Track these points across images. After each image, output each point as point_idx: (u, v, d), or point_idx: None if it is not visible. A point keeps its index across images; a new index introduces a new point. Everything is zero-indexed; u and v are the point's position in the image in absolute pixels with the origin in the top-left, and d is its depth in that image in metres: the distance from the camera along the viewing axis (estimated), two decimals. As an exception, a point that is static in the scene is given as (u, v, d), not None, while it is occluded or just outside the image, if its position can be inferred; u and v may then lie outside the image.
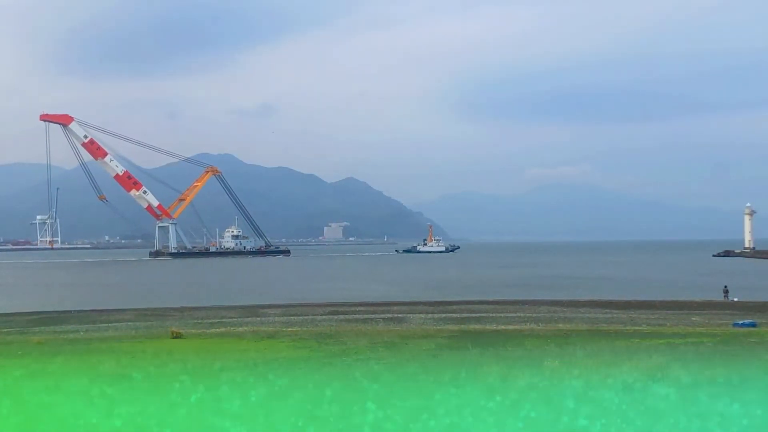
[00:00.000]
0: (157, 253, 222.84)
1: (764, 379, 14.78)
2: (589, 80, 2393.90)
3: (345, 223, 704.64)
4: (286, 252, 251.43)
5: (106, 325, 40.60)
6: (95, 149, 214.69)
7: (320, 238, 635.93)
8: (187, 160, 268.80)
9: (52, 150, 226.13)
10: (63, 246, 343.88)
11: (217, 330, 32.66)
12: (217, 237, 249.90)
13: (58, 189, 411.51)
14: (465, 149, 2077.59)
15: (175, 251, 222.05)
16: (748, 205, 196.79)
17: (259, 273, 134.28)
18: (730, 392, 13.01)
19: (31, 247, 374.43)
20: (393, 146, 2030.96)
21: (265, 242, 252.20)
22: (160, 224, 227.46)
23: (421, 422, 11.31)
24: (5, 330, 37.33)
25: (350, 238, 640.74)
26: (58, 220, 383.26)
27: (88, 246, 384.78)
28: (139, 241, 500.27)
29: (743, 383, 14.17)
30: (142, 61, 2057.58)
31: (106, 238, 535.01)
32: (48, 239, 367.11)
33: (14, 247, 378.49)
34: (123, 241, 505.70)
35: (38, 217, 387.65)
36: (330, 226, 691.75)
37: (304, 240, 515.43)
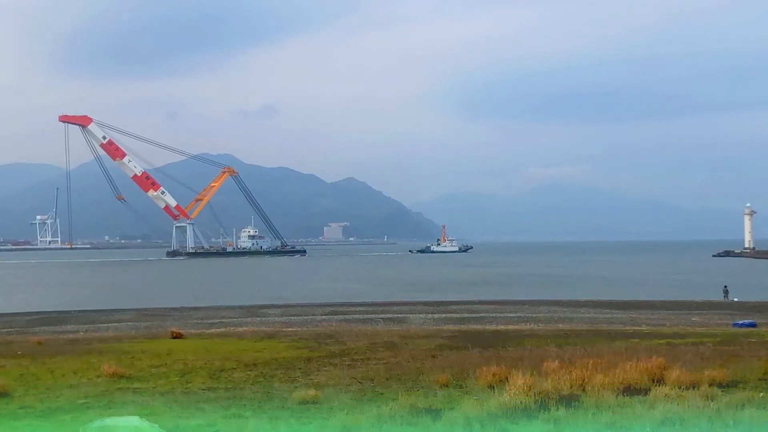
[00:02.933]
0: (174, 253, 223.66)
1: (764, 379, 14.78)
2: (589, 80, 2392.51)
3: (345, 223, 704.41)
4: (303, 252, 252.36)
5: (106, 325, 40.59)
6: (113, 150, 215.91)
7: (320, 238, 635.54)
8: (195, 158, 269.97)
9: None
10: (81, 246, 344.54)
11: (217, 330, 32.67)
12: (234, 237, 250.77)
13: (58, 189, 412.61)
14: (465, 149, 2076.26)
15: (193, 251, 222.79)
16: (748, 205, 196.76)
17: (273, 273, 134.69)
18: (729, 392, 13.02)
19: (31, 246, 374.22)
20: (393, 146, 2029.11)
21: (282, 242, 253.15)
22: (178, 224, 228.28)
23: (421, 422, 11.31)
24: (5, 330, 37.35)
25: (350, 238, 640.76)
26: (58, 220, 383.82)
27: (88, 246, 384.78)
28: (138, 241, 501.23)
29: (743, 383, 14.18)
30: (142, 61, 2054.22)
31: (106, 238, 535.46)
32: (66, 240, 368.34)
33: (14, 247, 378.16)
34: (123, 241, 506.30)
35: (38, 217, 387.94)
36: (330, 226, 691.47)
37: (304, 240, 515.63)
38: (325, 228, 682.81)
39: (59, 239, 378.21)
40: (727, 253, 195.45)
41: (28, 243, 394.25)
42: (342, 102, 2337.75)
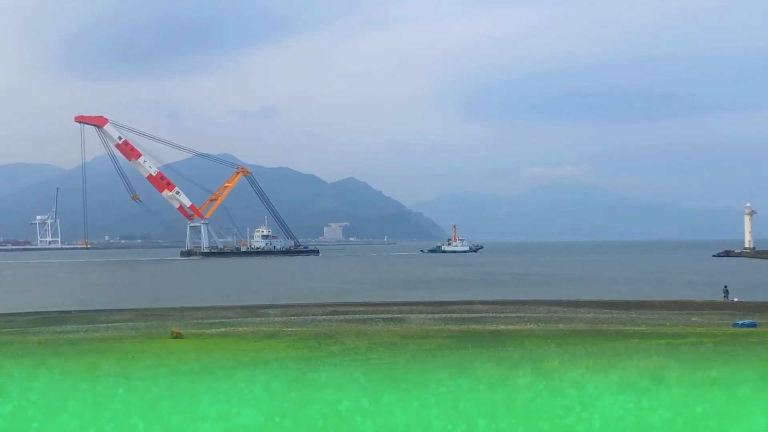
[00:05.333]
0: (188, 253, 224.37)
1: (764, 379, 14.79)
2: (589, 80, 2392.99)
3: (345, 223, 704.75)
4: (315, 251, 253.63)
5: (106, 325, 40.59)
6: (129, 150, 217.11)
7: (320, 238, 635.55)
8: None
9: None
10: (81, 246, 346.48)
11: (217, 330, 32.64)
12: (248, 237, 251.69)
13: (58, 189, 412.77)
14: (465, 149, 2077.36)
15: (207, 251, 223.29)
16: (748, 205, 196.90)
17: (285, 273, 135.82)
18: (729, 392, 13.02)
19: (32, 246, 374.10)
20: (393, 146, 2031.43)
21: (295, 242, 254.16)
22: (192, 224, 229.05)
23: (422, 422, 11.31)
24: (5, 330, 37.33)
25: (350, 238, 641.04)
26: (58, 220, 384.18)
27: (88, 246, 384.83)
28: (138, 241, 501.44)
29: (743, 383, 14.18)
30: (142, 61, 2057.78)
31: (106, 238, 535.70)
32: (66, 240, 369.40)
33: (14, 247, 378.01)
34: (123, 242, 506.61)
35: (38, 217, 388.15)
36: (330, 226, 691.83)
37: (304, 240, 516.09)
38: (325, 228, 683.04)
39: (59, 239, 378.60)
40: (727, 253, 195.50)
41: (28, 243, 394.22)
42: (342, 102, 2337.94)
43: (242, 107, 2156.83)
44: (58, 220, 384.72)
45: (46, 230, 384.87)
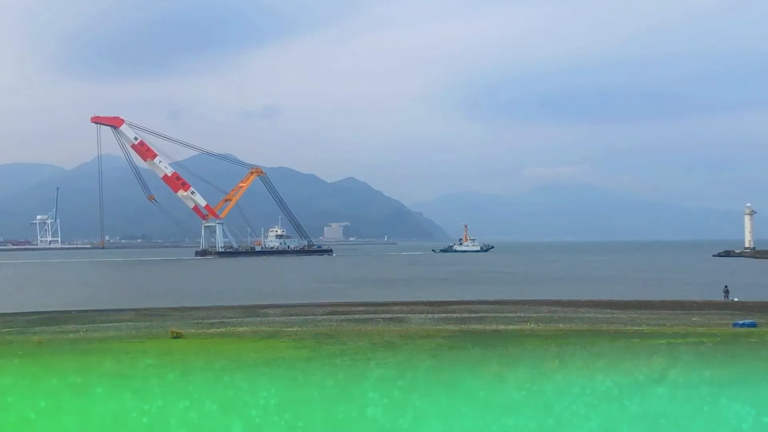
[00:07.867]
0: (203, 252, 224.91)
1: (764, 378, 14.79)
2: (589, 80, 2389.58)
3: (345, 223, 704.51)
4: (329, 251, 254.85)
5: (106, 325, 40.60)
6: (145, 150, 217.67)
7: (320, 238, 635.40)
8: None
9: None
10: (81, 246, 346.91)
11: (217, 330, 32.66)
12: (263, 236, 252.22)
13: (58, 189, 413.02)
14: (465, 149, 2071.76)
15: (222, 250, 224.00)
16: (748, 205, 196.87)
17: (298, 271, 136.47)
18: (730, 392, 13.02)
19: (32, 246, 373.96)
20: (393, 146, 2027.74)
21: (308, 242, 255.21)
22: (206, 224, 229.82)
23: (421, 422, 11.31)
24: (5, 330, 37.34)
25: (350, 238, 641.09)
26: (58, 220, 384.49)
27: (88, 246, 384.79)
28: (139, 240, 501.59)
29: (743, 383, 14.18)
30: (144, 61, 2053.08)
31: (107, 238, 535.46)
32: (67, 240, 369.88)
33: (14, 247, 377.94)
34: (123, 241, 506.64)
35: (38, 217, 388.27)
36: (330, 226, 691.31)
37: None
38: (325, 228, 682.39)
39: (59, 239, 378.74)
40: (728, 253, 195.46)
41: (28, 243, 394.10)
42: (342, 102, 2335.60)
43: (244, 108, 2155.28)
44: (58, 220, 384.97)
45: (46, 230, 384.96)
